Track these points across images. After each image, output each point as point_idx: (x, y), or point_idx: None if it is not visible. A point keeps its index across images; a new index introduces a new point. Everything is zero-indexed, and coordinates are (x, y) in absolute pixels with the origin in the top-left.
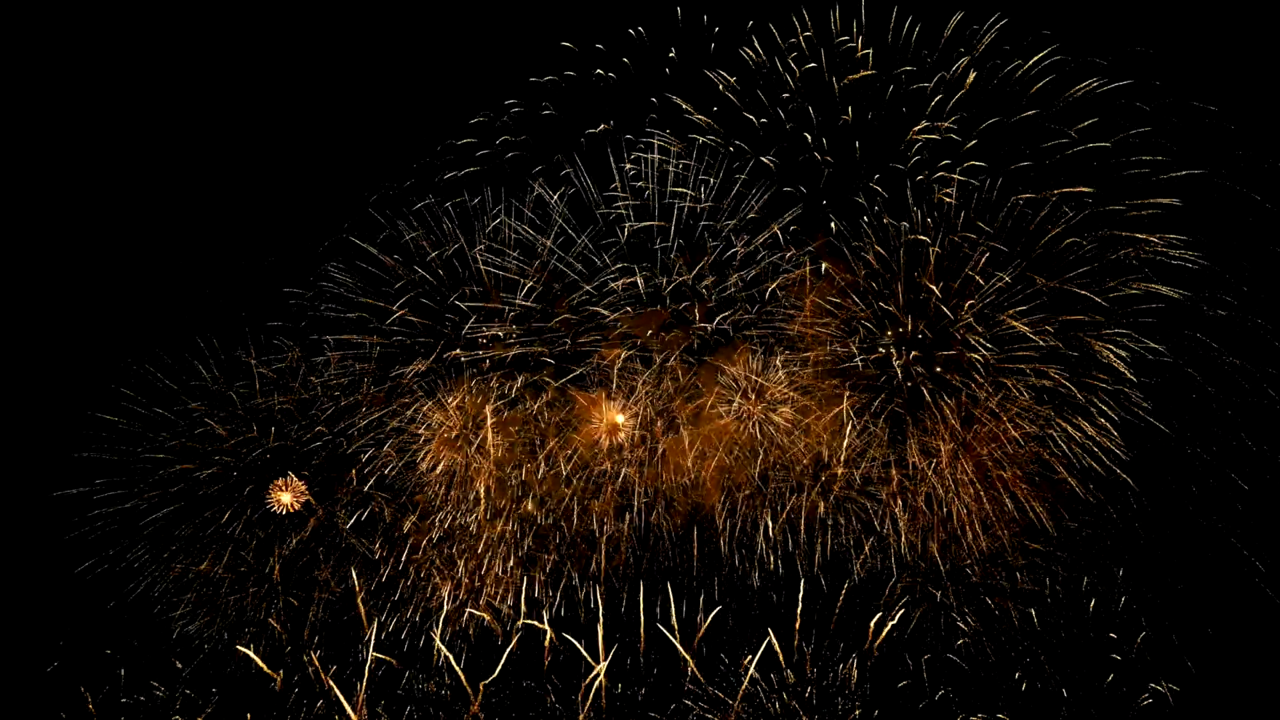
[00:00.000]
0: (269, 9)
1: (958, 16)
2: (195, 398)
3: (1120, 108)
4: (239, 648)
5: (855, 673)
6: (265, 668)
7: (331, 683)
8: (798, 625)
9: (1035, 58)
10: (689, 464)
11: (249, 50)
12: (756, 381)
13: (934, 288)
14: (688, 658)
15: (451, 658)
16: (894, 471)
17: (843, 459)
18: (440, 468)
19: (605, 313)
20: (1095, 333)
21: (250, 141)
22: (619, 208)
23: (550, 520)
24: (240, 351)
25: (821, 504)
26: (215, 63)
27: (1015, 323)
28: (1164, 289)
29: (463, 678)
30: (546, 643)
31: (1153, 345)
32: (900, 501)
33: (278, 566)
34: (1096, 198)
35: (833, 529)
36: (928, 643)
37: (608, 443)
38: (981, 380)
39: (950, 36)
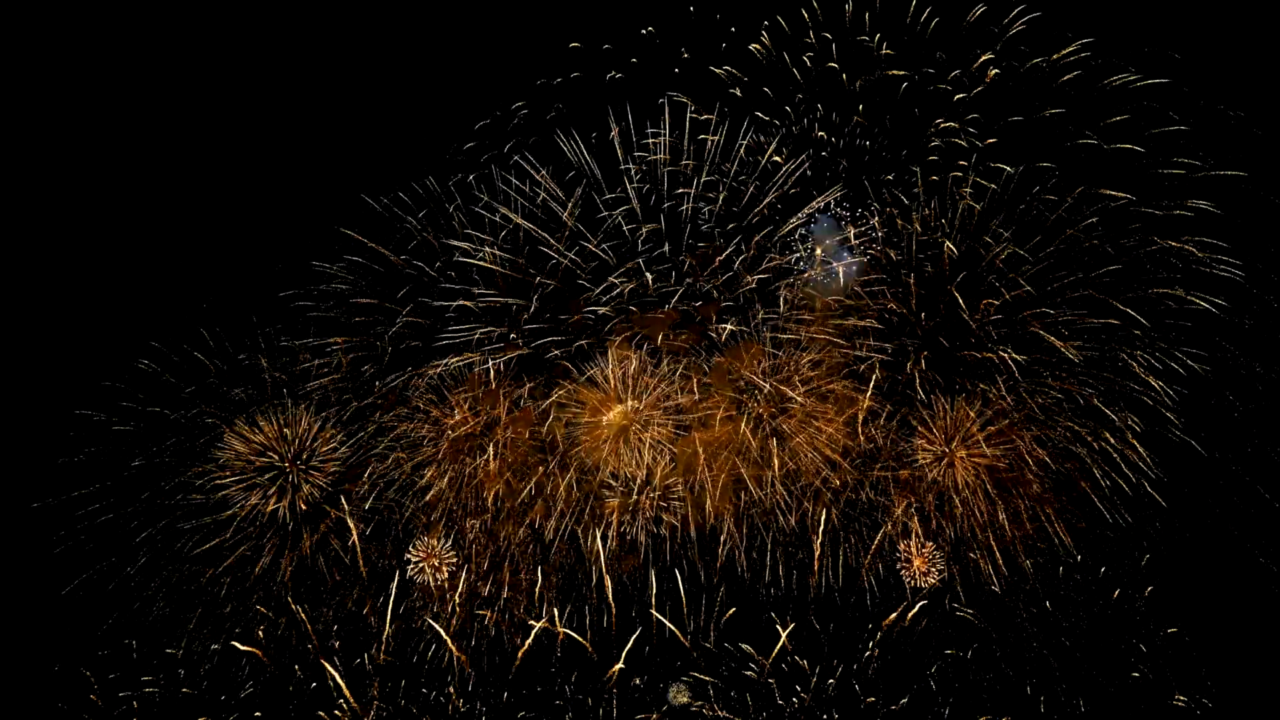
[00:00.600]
0: (281, 13)
1: (979, 9)
2: (197, 399)
3: (1148, 108)
4: (249, 648)
5: (875, 661)
6: (269, 663)
7: (343, 683)
8: (811, 620)
9: (1058, 54)
10: (700, 466)
11: (255, 48)
12: (767, 384)
13: (951, 289)
14: (697, 659)
15: (465, 660)
16: (905, 474)
17: (854, 461)
18: (450, 472)
19: (614, 314)
20: (1117, 338)
21: (251, 142)
22: (628, 208)
23: (561, 523)
24: (245, 355)
25: (833, 508)
26: (217, 60)
27: (1036, 328)
28: (1197, 297)
29: (472, 679)
30: (559, 644)
31: (1182, 355)
32: (911, 503)
33: (289, 570)
34: (1126, 200)
35: (843, 532)
36: (937, 648)
37: (618, 445)
38: (999, 384)
39: (969, 31)
